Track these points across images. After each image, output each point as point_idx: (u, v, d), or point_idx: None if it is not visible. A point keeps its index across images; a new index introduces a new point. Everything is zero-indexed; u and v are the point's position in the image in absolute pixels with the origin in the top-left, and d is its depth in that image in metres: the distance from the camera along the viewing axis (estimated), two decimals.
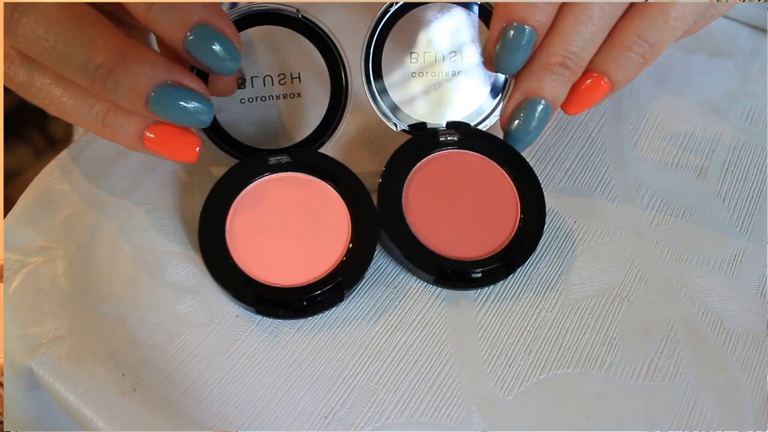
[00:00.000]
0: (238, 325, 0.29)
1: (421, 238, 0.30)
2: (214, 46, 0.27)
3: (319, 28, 0.31)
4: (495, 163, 0.32)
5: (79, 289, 0.29)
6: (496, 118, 0.33)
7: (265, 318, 0.29)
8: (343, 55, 0.31)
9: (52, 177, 0.32)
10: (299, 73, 0.32)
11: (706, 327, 0.30)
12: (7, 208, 0.31)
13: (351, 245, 0.29)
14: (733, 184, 0.35)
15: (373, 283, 0.30)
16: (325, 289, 0.28)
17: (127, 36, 0.26)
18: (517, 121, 0.31)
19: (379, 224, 0.30)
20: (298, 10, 0.30)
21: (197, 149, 0.28)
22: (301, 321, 0.29)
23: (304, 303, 0.28)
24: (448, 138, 0.32)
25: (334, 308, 0.29)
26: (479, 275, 0.30)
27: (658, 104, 0.38)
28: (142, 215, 0.31)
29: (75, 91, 0.27)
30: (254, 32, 0.31)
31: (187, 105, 0.27)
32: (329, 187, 0.31)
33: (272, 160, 0.31)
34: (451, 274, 0.30)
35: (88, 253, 0.30)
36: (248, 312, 0.29)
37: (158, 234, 0.31)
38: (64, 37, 0.25)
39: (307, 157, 0.31)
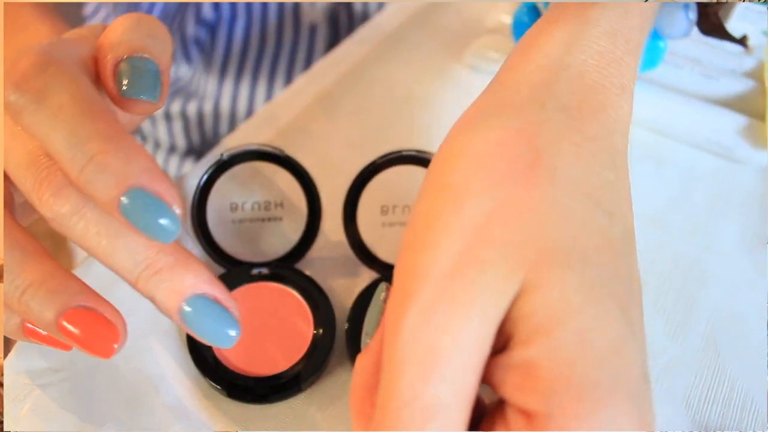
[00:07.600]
0: None
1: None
2: (150, 212, 0.25)
3: (299, 164, 0.37)
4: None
5: (84, 410, 0.33)
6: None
7: None
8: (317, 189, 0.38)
9: None
10: (282, 201, 0.39)
11: None
12: None
13: (311, 347, 0.35)
14: (669, 294, 0.39)
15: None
16: (285, 380, 0.34)
17: None
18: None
19: (334, 330, 0.35)
20: (281, 150, 0.37)
21: (115, 346, 0.28)
22: None
23: (268, 390, 0.34)
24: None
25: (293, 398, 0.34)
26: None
27: None
28: (138, 337, 0.35)
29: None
30: (247, 166, 0.38)
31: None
32: (300, 298, 0.37)
33: (254, 271, 0.37)
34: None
35: (91, 373, 0.34)
36: None
37: (154, 357, 0.35)
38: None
39: (283, 271, 0.38)
